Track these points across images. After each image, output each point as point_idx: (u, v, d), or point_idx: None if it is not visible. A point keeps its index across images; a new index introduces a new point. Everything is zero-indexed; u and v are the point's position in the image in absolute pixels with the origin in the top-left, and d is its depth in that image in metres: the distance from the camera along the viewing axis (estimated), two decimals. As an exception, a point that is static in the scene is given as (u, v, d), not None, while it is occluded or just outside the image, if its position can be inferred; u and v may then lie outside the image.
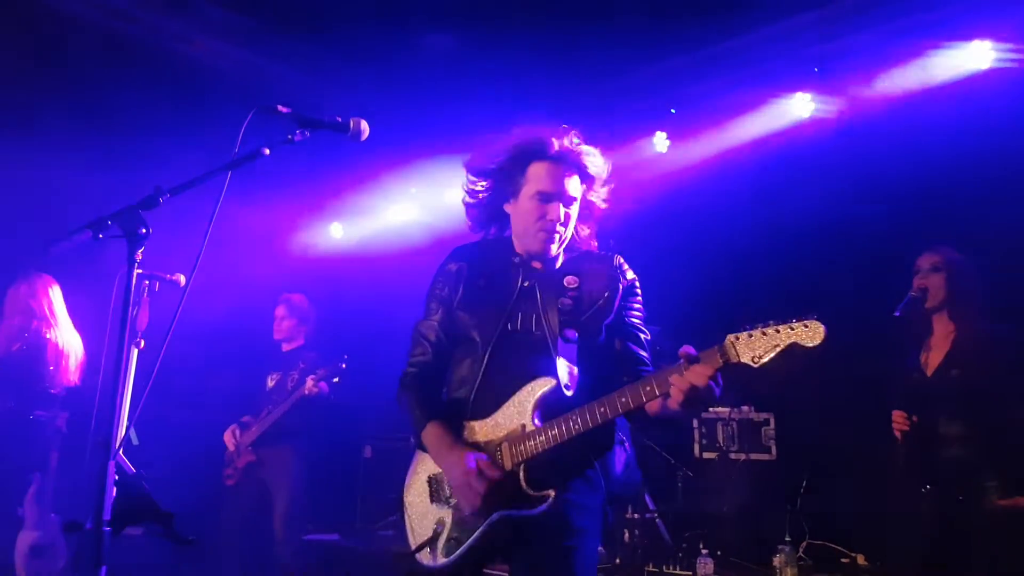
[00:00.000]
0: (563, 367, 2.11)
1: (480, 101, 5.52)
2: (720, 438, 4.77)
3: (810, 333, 1.81)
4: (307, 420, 4.66)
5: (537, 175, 2.24)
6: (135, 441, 3.37)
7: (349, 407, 5.76)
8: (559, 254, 2.32)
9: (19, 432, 4.25)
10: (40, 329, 4.27)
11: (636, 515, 4.51)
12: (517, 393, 2.11)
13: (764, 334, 1.83)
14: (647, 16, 4.65)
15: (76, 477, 4.90)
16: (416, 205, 6.88)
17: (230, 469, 4.70)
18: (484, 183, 2.34)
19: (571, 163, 2.24)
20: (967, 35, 4.46)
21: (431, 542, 2.13)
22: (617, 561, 4.44)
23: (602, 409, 1.98)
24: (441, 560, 2.10)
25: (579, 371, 2.14)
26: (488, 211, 2.37)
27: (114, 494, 1.80)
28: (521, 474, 2.03)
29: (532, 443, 2.04)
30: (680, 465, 4.85)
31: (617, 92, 5.29)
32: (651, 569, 4.34)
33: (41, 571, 4.74)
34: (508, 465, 2.06)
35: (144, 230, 1.91)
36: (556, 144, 2.24)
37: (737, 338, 1.86)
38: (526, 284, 2.25)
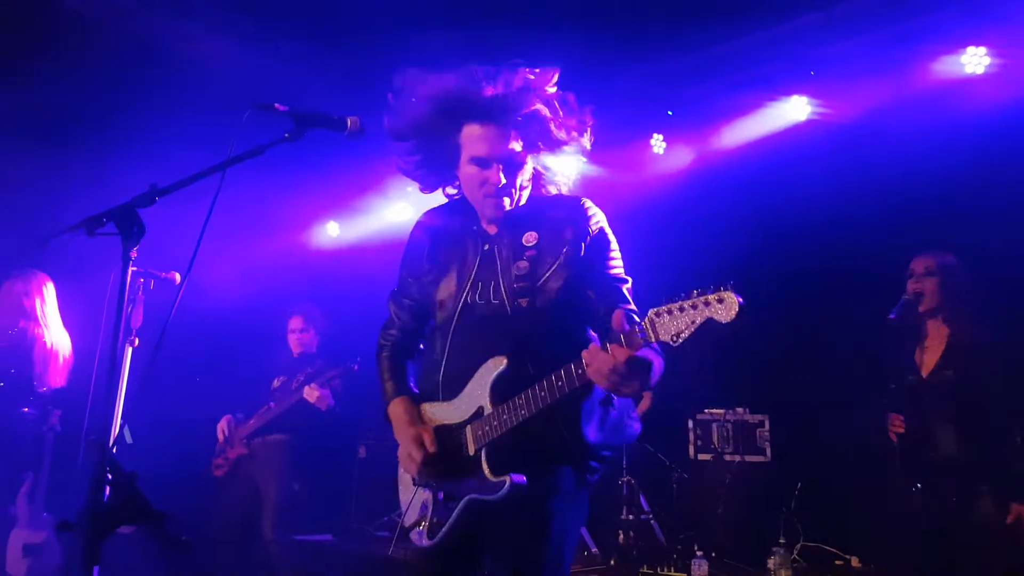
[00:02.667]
0: (518, 340, 1.99)
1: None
2: (715, 439, 4.78)
3: (725, 307, 1.67)
4: (304, 420, 4.66)
5: (470, 138, 2.04)
6: (128, 440, 3.36)
7: (344, 408, 5.75)
8: (520, 199, 2.12)
9: (9, 430, 4.22)
10: (29, 328, 4.25)
11: (631, 516, 4.52)
12: (476, 373, 2.02)
13: (682, 309, 1.71)
14: (644, 19, 4.66)
15: (68, 476, 4.89)
16: (412, 204, 6.87)
17: (220, 459, 4.71)
18: (414, 150, 2.15)
19: (508, 117, 2.00)
20: (962, 41, 4.48)
21: (419, 523, 2.13)
22: (612, 562, 4.44)
23: (542, 393, 1.89)
24: (426, 541, 2.09)
25: (538, 342, 2.00)
26: (433, 174, 2.21)
27: (107, 493, 1.79)
28: (483, 458, 1.98)
29: (488, 427, 1.98)
30: (675, 466, 4.85)
31: (614, 94, 5.29)
32: (646, 571, 4.34)
33: (34, 570, 4.72)
34: (471, 450, 2.01)
35: (139, 228, 1.90)
36: (485, 95, 1.98)
37: (658, 314, 1.72)
38: (486, 248, 2.12)
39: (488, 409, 1.99)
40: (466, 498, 2.02)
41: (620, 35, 4.80)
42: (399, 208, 6.93)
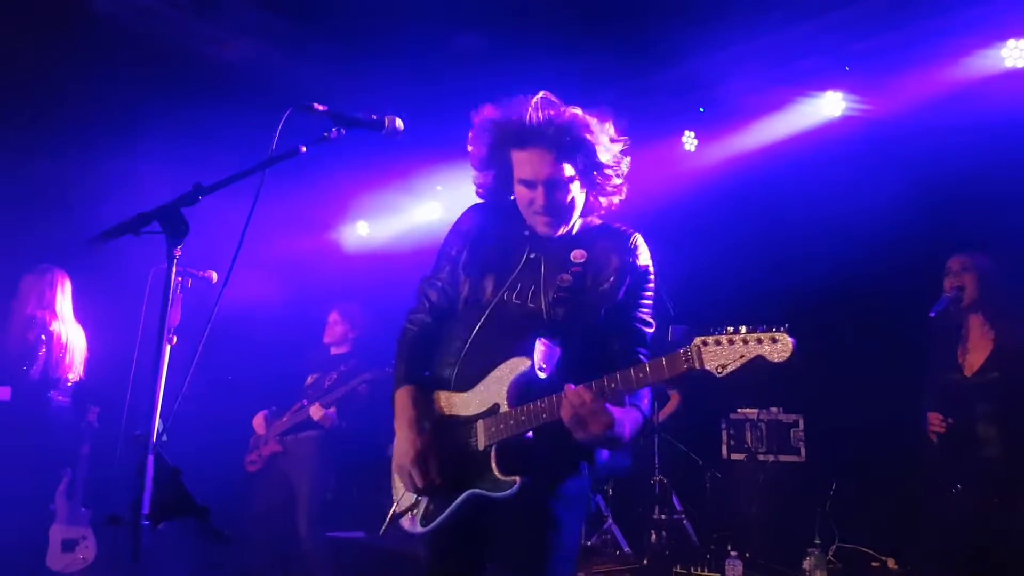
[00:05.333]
0: (543, 347, 2.03)
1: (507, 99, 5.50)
2: (748, 439, 4.73)
3: (778, 348, 1.70)
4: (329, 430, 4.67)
5: (517, 162, 2.15)
6: (164, 437, 3.42)
7: (375, 406, 5.79)
8: (573, 227, 2.22)
9: (45, 417, 4.31)
10: (48, 321, 4.34)
11: (663, 516, 4.49)
12: (496, 369, 2.05)
13: (731, 342, 1.74)
14: (675, 15, 4.62)
15: (106, 472, 4.98)
16: (442, 203, 6.89)
17: (254, 455, 4.75)
18: (484, 174, 2.27)
19: (547, 141, 2.08)
20: (1002, 34, 4.38)
21: (412, 509, 2.14)
22: (645, 562, 4.42)
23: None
24: (419, 528, 2.11)
25: (562, 353, 2.05)
26: (499, 190, 2.29)
27: (152, 488, 1.81)
28: (493, 455, 1.99)
29: (503, 425, 1.99)
30: (708, 466, 4.82)
31: (646, 91, 5.26)
32: (679, 570, 4.31)
33: (72, 564, 4.82)
34: (481, 445, 2.02)
35: (183, 227, 1.92)
36: (525, 123, 2.09)
37: (705, 343, 1.76)
38: (532, 256, 2.17)
39: (504, 407, 2.01)
40: (469, 492, 2.02)
41: (651, 32, 4.77)
42: (429, 208, 6.96)
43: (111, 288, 5.05)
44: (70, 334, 4.43)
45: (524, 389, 2.00)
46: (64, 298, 4.51)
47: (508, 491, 1.94)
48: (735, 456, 4.82)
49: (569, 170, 2.10)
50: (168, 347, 3.09)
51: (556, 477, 2.03)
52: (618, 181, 2.20)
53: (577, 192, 2.16)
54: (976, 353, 3.38)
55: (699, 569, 4.26)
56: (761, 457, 4.61)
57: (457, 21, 4.88)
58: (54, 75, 5.05)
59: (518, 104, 2.13)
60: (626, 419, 1.93)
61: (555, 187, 2.11)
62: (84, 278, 4.79)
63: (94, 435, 5.09)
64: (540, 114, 2.09)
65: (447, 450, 2.06)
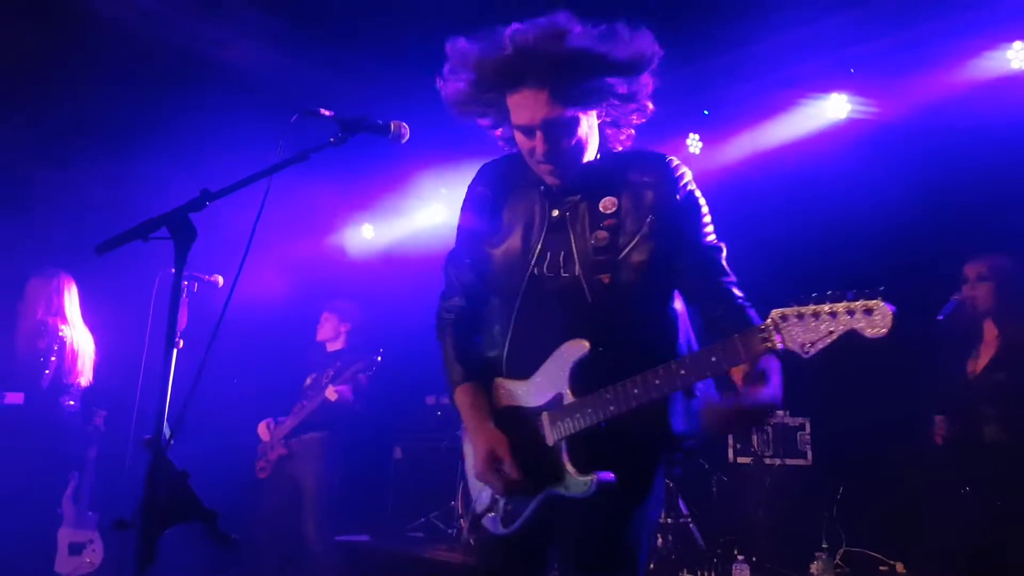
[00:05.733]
0: (599, 322, 1.80)
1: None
2: (755, 443, 4.71)
3: (874, 321, 1.44)
4: (335, 417, 4.70)
5: (511, 106, 1.85)
6: (171, 441, 3.42)
7: (379, 408, 5.79)
8: (591, 164, 1.90)
9: (57, 421, 4.32)
10: (56, 325, 4.35)
11: (669, 519, 4.47)
12: (553, 355, 1.84)
13: (816, 315, 1.49)
14: (679, 17, 4.62)
15: (113, 475, 4.99)
16: (447, 206, 6.90)
17: (263, 461, 4.76)
18: (481, 115, 1.96)
19: (538, 77, 1.76)
20: (1008, 35, 4.38)
21: (491, 509, 1.96)
22: (651, 566, 4.40)
23: (635, 391, 1.70)
24: (502, 530, 1.92)
25: (622, 323, 1.81)
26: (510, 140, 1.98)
27: (160, 492, 1.81)
28: (564, 451, 1.81)
29: (570, 420, 1.79)
30: (714, 470, 4.80)
31: (649, 94, 5.25)
32: (685, 575, 4.30)
33: (79, 568, 4.83)
34: (550, 441, 1.83)
35: (191, 232, 1.93)
36: (509, 57, 1.78)
37: (784, 317, 1.51)
38: (555, 214, 1.91)
39: (569, 398, 1.81)
40: (545, 492, 1.84)
41: (655, 34, 4.76)
42: (434, 210, 6.96)
43: (118, 292, 5.07)
44: (79, 339, 4.44)
45: (586, 375, 1.79)
46: (72, 303, 4.52)
47: (585, 491, 1.76)
48: (741, 460, 4.80)
49: (570, 108, 1.79)
50: (174, 351, 3.12)
51: (631, 467, 1.81)
52: (636, 109, 1.90)
53: (586, 130, 1.86)
54: (984, 356, 3.37)
55: (706, 573, 4.25)
56: (768, 461, 4.60)
57: (460, 23, 4.89)
58: (58, 78, 5.07)
59: (499, 35, 1.81)
60: (771, 376, 1.66)
61: (555, 131, 1.81)
62: (91, 282, 4.80)
63: (101, 439, 5.11)
64: (525, 43, 1.76)
65: (517, 445, 1.86)
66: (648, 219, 1.84)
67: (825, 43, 4.71)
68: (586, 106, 1.84)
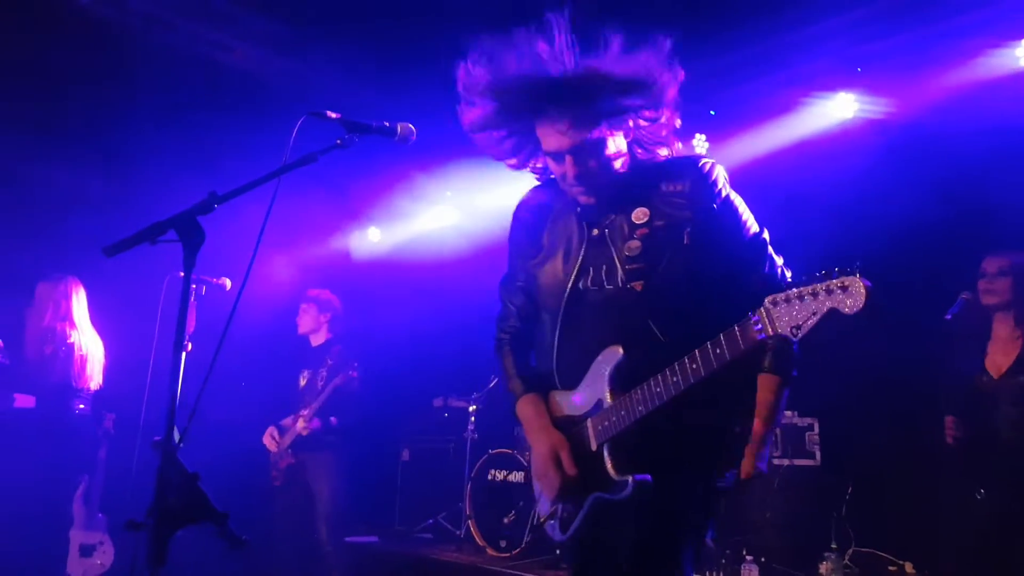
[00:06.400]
0: (633, 328, 1.87)
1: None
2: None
3: (849, 297, 1.52)
4: (341, 423, 4.65)
5: (541, 132, 1.93)
6: (181, 443, 3.44)
7: (387, 411, 5.80)
8: (622, 176, 1.95)
9: (69, 426, 4.34)
10: (65, 330, 4.36)
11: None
12: (593, 364, 1.93)
13: (802, 297, 1.57)
14: (684, 17, 4.61)
15: (121, 478, 5.02)
16: (454, 208, 6.91)
17: (274, 471, 4.73)
18: (501, 136, 2.00)
19: (562, 106, 1.83)
20: (1017, 33, 4.36)
21: (551, 516, 2.06)
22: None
23: (658, 389, 1.78)
24: (560, 535, 2.02)
25: (654, 328, 1.87)
26: (526, 155, 2.06)
27: (171, 494, 1.82)
28: (606, 455, 1.89)
29: (608, 422, 1.88)
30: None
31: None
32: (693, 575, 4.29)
33: (90, 570, 4.86)
34: (594, 445, 1.91)
35: (199, 235, 1.94)
36: (533, 87, 1.83)
37: (774, 303, 1.60)
38: (595, 232, 1.99)
39: (607, 402, 1.90)
40: (592, 496, 1.92)
41: (659, 34, 4.75)
42: (439, 213, 6.98)
43: (125, 296, 5.09)
44: (88, 343, 4.46)
45: (623, 380, 1.88)
46: (80, 307, 4.55)
47: (623, 492, 1.83)
48: (749, 460, 4.78)
49: (594, 132, 1.85)
50: (183, 354, 3.14)
51: (669, 467, 1.85)
52: (664, 130, 1.96)
53: (614, 150, 1.91)
54: (1004, 355, 3.33)
55: (714, 573, 4.24)
56: (776, 461, 4.59)
57: (464, 25, 4.89)
58: (64, 82, 5.10)
59: (514, 68, 1.86)
60: (773, 414, 1.87)
61: (582, 155, 1.88)
62: (99, 286, 4.82)
63: (110, 441, 5.14)
64: (541, 75, 1.83)
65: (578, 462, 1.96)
66: (686, 230, 1.89)
67: (831, 42, 4.70)
68: (609, 127, 1.89)
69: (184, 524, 1.84)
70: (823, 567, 4.02)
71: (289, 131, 2.12)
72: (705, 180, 1.93)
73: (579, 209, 2.02)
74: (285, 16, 4.92)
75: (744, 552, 4.16)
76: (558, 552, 4.46)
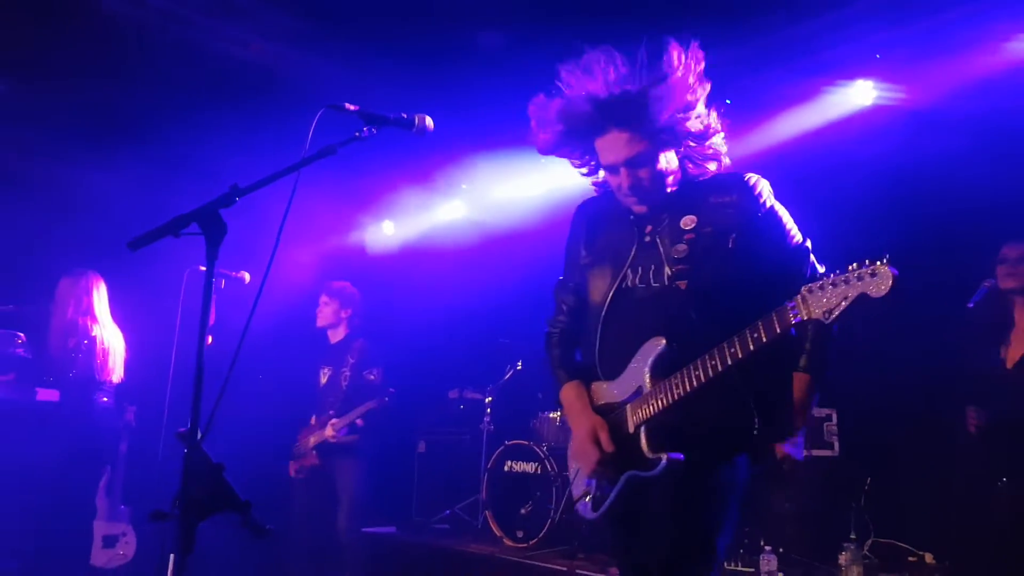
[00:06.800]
0: (676, 321, 2.03)
1: (530, 97, 5.51)
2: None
3: (877, 282, 1.67)
4: (367, 425, 4.62)
5: (599, 150, 2.14)
6: (204, 435, 3.48)
7: (403, 403, 5.82)
8: (673, 191, 2.14)
9: (92, 418, 4.39)
10: (88, 324, 4.41)
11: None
12: (636, 354, 2.08)
13: (835, 284, 1.73)
14: (699, 5, 4.58)
15: (143, 469, 5.08)
16: (466, 202, 6.92)
17: (297, 464, 4.72)
18: (579, 160, 2.26)
19: (619, 121, 2.04)
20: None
21: (584, 495, 2.20)
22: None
23: (697, 372, 1.92)
24: (591, 514, 2.16)
25: (695, 323, 2.02)
26: (589, 170, 2.30)
27: (197, 484, 1.85)
28: (642, 436, 2.03)
29: (646, 406, 2.03)
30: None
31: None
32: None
33: (113, 560, 4.93)
34: (631, 428, 2.06)
35: (221, 228, 1.95)
36: (593, 106, 2.05)
37: (810, 290, 1.75)
38: (648, 238, 2.16)
39: (647, 387, 2.04)
40: (626, 475, 2.05)
41: (674, 23, 4.71)
42: (453, 206, 6.98)
43: (145, 290, 5.14)
44: (110, 337, 4.51)
45: (663, 367, 2.03)
46: (101, 301, 4.59)
47: (656, 469, 1.96)
48: (767, 451, 4.76)
49: (647, 145, 2.05)
50: (205, 346, 3.16)
51: (700, 448, 1.99)
52: (711, 147, 2.13)
53: (664, 165, 2.09)
54: (1017, 345, 3.31)
55: (732, 564, 4.23)
56: (793, 452, 4.57)
57: (478, 18, 4.89)
58: (84, 79, 5.14)
59: (581, 85, 2.07)
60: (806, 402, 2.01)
61: (635, 166, 2.07)
62: (119, 280, 4.87)
63: (132, 434, 5.21)
64: (599, 93, 2.03)
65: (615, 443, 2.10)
66: (732, 236, 2.05)
67: (850, 29, 4.65)
68: (660, 143, 2.07)
69: (209, 513, 1.86)
70: (842, 558, 4.01)
71: (301, 125, 2.13)
72: (751, 192, 2.09)
73: (632, 216, 2.20)
74: (300, 11, 4.93)
75: (762, 542, 4.15)
76: (575, 543, 4.47)
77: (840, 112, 4.95)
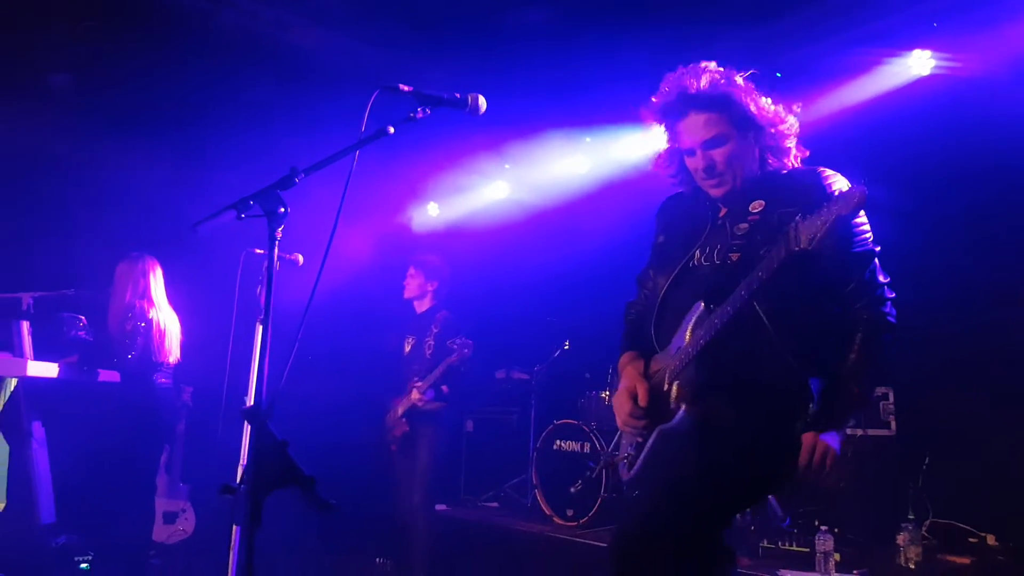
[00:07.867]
0: (718, 287, 2.09)
1: (575, 76, 5.47)
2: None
3: (845, 200, 1.83)
4: (452, 392, 4.69)
5: (680, 132, 2.26)
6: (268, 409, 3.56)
7: (450, 383, 5.85)
8: (751, 179, 2.23)
9: (152, 398, 4.51)
10: (145, 307, 4.52)
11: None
12: (682, 321, 2.18)
13: (818, 212, 1.86)
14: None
15: (201, 448, 5.22)
16: (510, 182, 6.91)
17: (391, 437, 4.78)
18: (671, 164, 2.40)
19: (699, 104, 2.18)
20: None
21: (625, 457, 2.33)
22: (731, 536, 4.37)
23: (716, 320, 2.04)
24: (626, 475, 2.29)
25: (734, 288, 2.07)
26: (687, 176, 2.38)
27: (264, 459, 1.89)
28: (673, 389, 2.14)
29: (679, 360, 2.14)
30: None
31: (720, 58, 5.12)
32: (766, 545, 4.26)
33: (174, 536, 5.09)
34: (666, 386, 2.16)
35: (283, 209, 1.98)
36: (672, 93, 2.22)
37: (804, 216, 1.88)
38: (720, 222, 2.27)
39: (684, 345, 2.15)
40: (657, 429, 2.16)
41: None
42: (497, 187, 6.98)
43: (200, 273, 5.26)
44: (166, 319, 4.62)
45: (699, 328, 2.12)
46: (157, 284, 4.71)
47: (674, 419, 2.09)
48: (820, 430, 4.68)
49: (723, 126, 2.16)
50: (260, 328, 3.22)
51: (726, 400, 2.06)
52: (788, 142, 2.22)
53: (740, 150, 2.18)
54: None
55: (786, 544, 4.19)
56: (849, 431, 4.48)
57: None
58: (123, 66, 5.23)
59: (669, 81, 2.24)
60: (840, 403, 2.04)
61: (711, 147, 2.17)
62: (172, 264, 4.98)
63: (189, 413, 5.35)
64: (678, 81, 2.20)
65: (652, 404, 2.20)
66: (796, 219, 1.99)
67: (905, -3, 4.50)
68: (736, 126, 2.17)
69: (275, 488, 1.91)
70: (900, 538, 3.93)
71: (348, 108, 2.15)
72: (822, 182, 2.11)
73: (709, 201, 2.29)
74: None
75: (816, 522, 4.10)
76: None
77: (896, 83, 4.80)
